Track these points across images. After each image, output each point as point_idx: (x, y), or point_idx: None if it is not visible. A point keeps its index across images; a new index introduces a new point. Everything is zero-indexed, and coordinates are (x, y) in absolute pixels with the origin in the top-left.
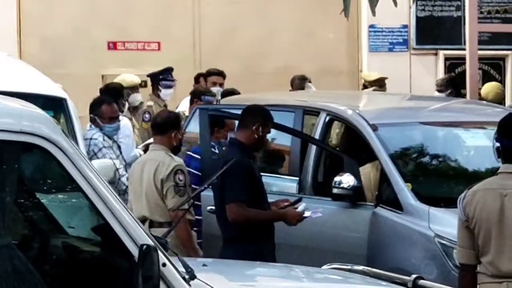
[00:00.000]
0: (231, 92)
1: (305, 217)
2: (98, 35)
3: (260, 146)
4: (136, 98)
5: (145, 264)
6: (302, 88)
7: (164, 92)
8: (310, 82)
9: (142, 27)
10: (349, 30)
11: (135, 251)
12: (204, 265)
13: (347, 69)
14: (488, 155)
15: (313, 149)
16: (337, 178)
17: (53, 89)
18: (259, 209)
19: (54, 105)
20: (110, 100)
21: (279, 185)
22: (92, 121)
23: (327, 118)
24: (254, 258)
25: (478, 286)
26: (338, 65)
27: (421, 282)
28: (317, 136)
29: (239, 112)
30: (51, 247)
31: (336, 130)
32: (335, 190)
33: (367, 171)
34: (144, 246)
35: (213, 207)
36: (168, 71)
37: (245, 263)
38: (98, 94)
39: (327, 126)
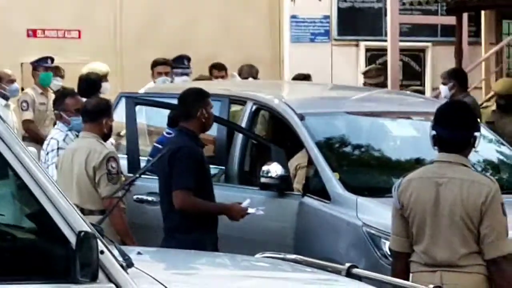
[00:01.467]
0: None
1: (248, 214)
2: (17, 22)
3: (209, 125)
4: (106, 87)
5: (83, 251)
6: (252, 76)
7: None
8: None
9: (62, 15)
10: (271, 20)
11: (72, 238)
12: (139, 253)
13: (269, 59)
14: (413, 145)
15: (239, 138)
16: (264, 168)
17: None
18: (205, 199)
19: None
20: (72, 92)
21: None
22: (58, 117)
23: (254, 107)
24: (196, 249)
25: (411, 275)
26: (260, 54)
27: (355, 270)
28: (243, 125)
29: (165, 100)
30: None
31: (261, 119)
32: (262, 180)
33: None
34: (82, 233)
35: (140, 196)
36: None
37: (180, 251)
38: (18, 82)
39: (254, 115)
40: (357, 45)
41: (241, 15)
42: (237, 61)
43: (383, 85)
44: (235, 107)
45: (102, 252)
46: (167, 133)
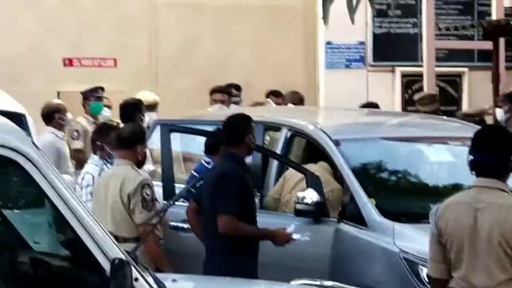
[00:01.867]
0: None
1: (294, 239)
2: (53, 52)
3: (251, 152)
4: (152, 117)
5: (117, 278)
6: (294, 102)
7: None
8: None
9: (98, 44)
10: (306, 46)
11: (106, 266)
12: (174, 280)
13: (304, 85)
14: (450, 170)
15: (274, 164)
16: (300, 194)
17: (11, 105)
18: (249, 224)
19: (13, 121)
20: (118, 126)
21: None
22: (98, 149)
23: (289, 134)
24: (237, 272)
25: None
26: (296, 81)
27: None
28: (278, 152)
29: (200, 127)
30: (18, 263)
31: (296, 145)
32: (298, 206)
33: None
34: (117, 260)
35: (175, 223)
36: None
37: (215, 278)
38: None
39: (289, 142)
40: (393, 71)
41: (276, 42)
42: (272, 87)
43: (437, 112)
44: (272, 133)
45: (136, 279)
46: (206, 162)
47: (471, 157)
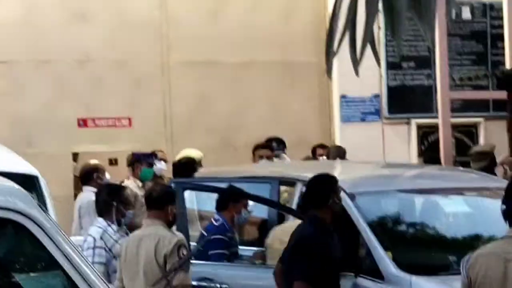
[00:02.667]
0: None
1: None
2: (67, 112)
3: (337, 214)
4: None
5: None
6: (339, 156)
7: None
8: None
9: (112, 103)
10: (320, 100)
11: None
12: None
13: (320, 139)
14: (467, 221)
15: (290, 219)
16: None
17: (24, 167)
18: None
19: (26, 183)
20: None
21: None
22: (108, 209)
23: (304, 189)
24: None
25: None
26: (311, 136)
27: None
28: (294, 207)
29: (215, 184)
30: None
31: None
32: None
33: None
34: None
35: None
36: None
37: None
38: (70, 172)
39: None
40: (408, 123)
41: (290, 96)
42: (289, 142)
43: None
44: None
45: None
46: (215, 219)
47: (504, 206)
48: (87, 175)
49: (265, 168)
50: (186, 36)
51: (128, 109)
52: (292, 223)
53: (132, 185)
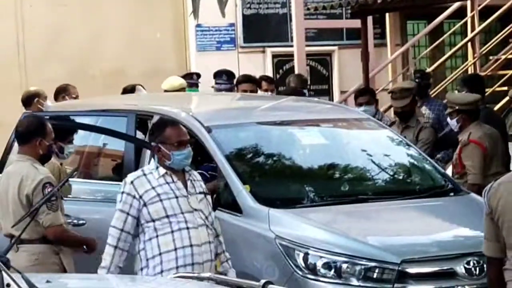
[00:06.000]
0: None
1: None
2: None
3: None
4: None
5: None
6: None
7: None
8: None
9: None
10: (176, 30)
11: None
12: (48, 281)
13: (176, 69)
14: (324, 153)
15: (147, 153)
16: None
17: None
18: None
19: None
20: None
21: (113, 191)
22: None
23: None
24: None
25: (507, 284)
26: (167, 65)
27: (270, 286)
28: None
29: (73, 119)
30: None
31: None
32: None
33: None
34: None
35: None
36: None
37: (89, 276)
38: None
39: None
40: (263, 52)
41: (146, 27)
42: (144, 73)
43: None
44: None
45: (8, 285)
46: None
47: None
48: (28, 100)
49: (121, 101)
50: None
51: None
52: None
53: None
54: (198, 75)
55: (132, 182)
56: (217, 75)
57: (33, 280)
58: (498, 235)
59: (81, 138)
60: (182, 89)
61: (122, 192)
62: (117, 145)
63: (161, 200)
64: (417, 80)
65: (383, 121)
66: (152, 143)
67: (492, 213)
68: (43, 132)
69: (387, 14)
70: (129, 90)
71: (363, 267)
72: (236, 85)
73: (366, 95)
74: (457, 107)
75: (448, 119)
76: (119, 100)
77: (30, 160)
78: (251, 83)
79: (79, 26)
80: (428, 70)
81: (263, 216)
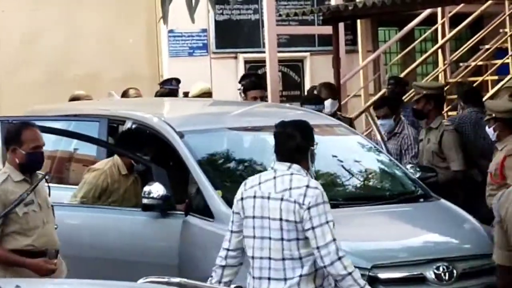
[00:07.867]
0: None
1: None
2: None
3: None
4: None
5: None
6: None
7: None
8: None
9: None
10: (149, 35)
11: None
12: (17, 286)
13: (148, 74)
14: None
15: None
16: (146, 188)
17: None
18: None
19: None
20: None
21: None
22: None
23: (133, 127)
24: None
25: None
26: (140, 71)
27: None
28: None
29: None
30: None
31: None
32: (144, 201)
33: None
34: None
35: None
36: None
37: (58, 281)
38: None
39: None
40: (236, 58)
41: (120, 32)
42: (118, 78)
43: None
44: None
45: None
46: None
47: None
48: None
49: (93, 105)
50: None
51: None
52: None
53: None
54: (178, 81)
55: None
56: (166, 82)
57: (3, 285)
58: (507, 243)
59: (52, 143)
60: (209, 94)
61: None
62: (88, 150)
63: None
64: (389, 87)
65: (405, 131)
66: None
67: (502, 221)
68: (17, 140)
69: (358, 21)
70: (72, 99)
71: None
72: (244, 92)
73: (382, 107)
74: (493, 115)
75: (486, 128)
76: (91, 105)
77: (8, 169)
78: (260, 89)
79: (54, 31)
80: (400, 76)
81: None
